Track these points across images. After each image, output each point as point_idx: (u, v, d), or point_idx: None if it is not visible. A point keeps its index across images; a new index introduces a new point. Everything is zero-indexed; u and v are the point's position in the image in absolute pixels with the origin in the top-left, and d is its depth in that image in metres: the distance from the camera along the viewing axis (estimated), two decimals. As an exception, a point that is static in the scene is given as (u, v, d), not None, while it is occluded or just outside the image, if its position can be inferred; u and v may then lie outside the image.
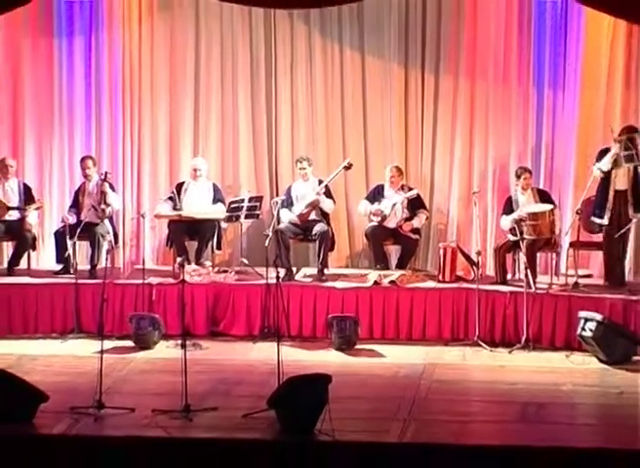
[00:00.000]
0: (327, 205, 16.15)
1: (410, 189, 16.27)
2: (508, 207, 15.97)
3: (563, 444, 12.27)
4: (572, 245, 16.07)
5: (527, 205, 15.77)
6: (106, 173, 16.15)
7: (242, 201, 16.27)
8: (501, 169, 16.52)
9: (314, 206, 16.00)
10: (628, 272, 15.96)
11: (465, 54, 16.50)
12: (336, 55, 16.81)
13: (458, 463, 11.69)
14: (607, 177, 15.40)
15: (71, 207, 16.33)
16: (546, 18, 16.26)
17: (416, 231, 16.29)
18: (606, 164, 15.31)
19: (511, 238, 15.75)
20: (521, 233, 15.57)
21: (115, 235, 16.37)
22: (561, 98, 16.41)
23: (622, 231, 15.43)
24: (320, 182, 16.15)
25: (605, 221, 15.44)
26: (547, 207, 15.80)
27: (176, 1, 16.58)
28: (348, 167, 16.30)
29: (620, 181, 15.39)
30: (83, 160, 16.35)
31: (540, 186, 16.34)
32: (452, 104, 16.67)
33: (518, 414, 13.19)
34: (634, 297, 15.21)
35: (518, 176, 15.92)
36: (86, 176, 16.19)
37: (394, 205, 16.13)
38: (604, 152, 15.55)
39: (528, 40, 16.36)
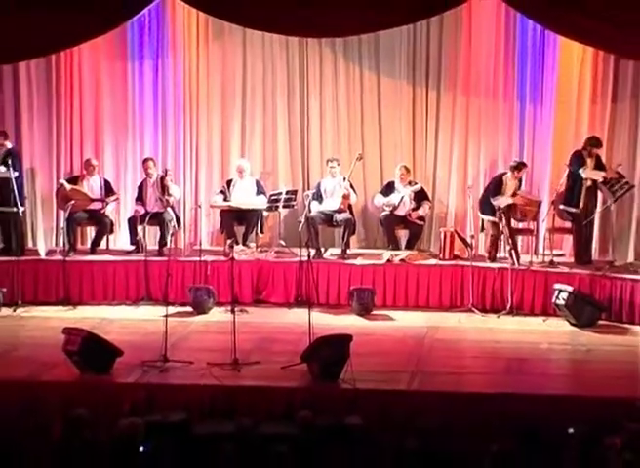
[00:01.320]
0: (352, 198, 16.16)
1: (416, 184, 16.28)
2: (497, 187, 15.91)
3: (540, 391, 12.34)
4: (548, 230, 16.08)
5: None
6: (167, 170, 16.20)
7: (280, 194, 16.27)
8: (491, 168, 16.47)
9: (346, 198, 16.01)
10: (594, 252, 15.92)
11: (462, 75, 16.46)
12: (356, 75, 16.79)
13: (455, 407, 11.73)
14: (580, 179, 15.42)
15: (137, 199, 16.37)
16: (528, 45, 16.24)
17: (421, 218, 16.27)
18: (588, 173, 15.40)
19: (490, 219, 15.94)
20: (507, 219, 15.72)
21: (177, 221, 16.35)
22: (539, 111, 16.36)
23: (589, 219, 15.46)
24: (344, 179, 16.15)
25: (577, 210, 15.44)
26: (539, 198, 16.01)
27: (226, 31, 16.52)
28: (360, 158, 16.32)
29: (590, 182, 15.41)
30: (145, 161, 16.36)
31: (522, 184, 16.32)
32: (451, 115, 16.63)
33: (504, 367, 13.23)
34: (599, 273, 15.22)
35: (519, 169, 15.88)
36: (148, 175, 16.19)
37: (403, 197, 16.13)
38: (577, 155, 15.57)
39: (512, 63, 16.32)
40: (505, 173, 15.93)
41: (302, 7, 14.82)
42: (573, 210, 15.61)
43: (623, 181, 15.37)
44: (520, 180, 15.92)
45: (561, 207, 15.75)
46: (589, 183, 15.52)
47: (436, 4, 15.12)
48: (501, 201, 15.75)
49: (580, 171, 15.48)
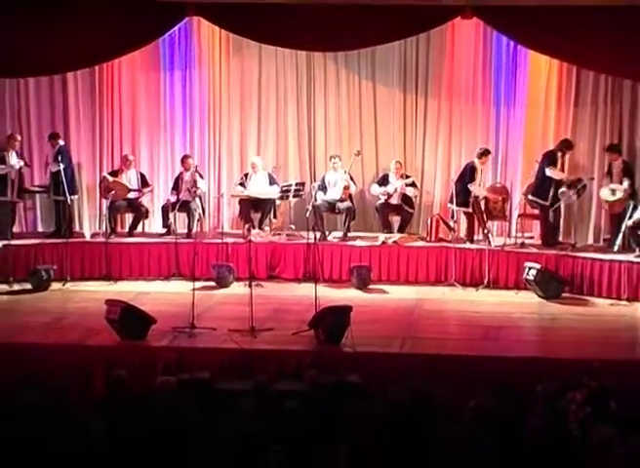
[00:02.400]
0: (352, 188, 16.11)
1: (407, 177, 16.25)
2: (472, 174, 15.83)
3: (513, 354, 12.34)
4: (519, 216, 16.06)
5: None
6: (196, 166, 16.19)
7: (290, 185, 16.24)
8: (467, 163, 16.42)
9: (347, 189, 15.97)
10: (560, 235, 15.89)
11: (446, 83, 16.41)
12: (355, 83, 16.73)
13: (440, 367, 11.72)
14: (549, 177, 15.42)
15: (173, 189, 16.32)
16: (502, 58, 16.17)
17: (410, 206, 16.27)
18: (551, 172, 15.38)
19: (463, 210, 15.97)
20: (479, 208, 15.83)
21: (203, 209, 16.31)
22: (512, 114, 16.30)
23: (556, 206, 15.42)
24: (345, 172, 16.11)
25: (547, 203, 15.41)
26: (504, 194, 16.01)
27: (244, 46, 16.48)
28: (358, 154, 16.26)
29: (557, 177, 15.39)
30: (185, 158, 16.31)
31: (497, 177, 16.33)
32: (436, 118, 16.58)
33: (481, 334, 13.23)
34: (563, 253, 15.22)
35: (485, 155, 15.88)
36: (186, 169, 16.14)
37: (396, 188, 16.12)
38: (549, 154, 15.54)
39: (489, 73, 16.27)
40: (473, 161, 15.88)
41: (309, 27, 14.90)
42: (541, 201, 15.56)
43: (580, 185, 15.39)
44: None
45: (530, 197, 15.70)
46: (556, 178, 15.48)
47: (423, 23, 15.17)
48: (477, 191, 15.71)
49: (546, 170, 15.44)
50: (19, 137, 16.11)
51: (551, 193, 15.46)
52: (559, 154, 15.55)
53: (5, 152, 15.87)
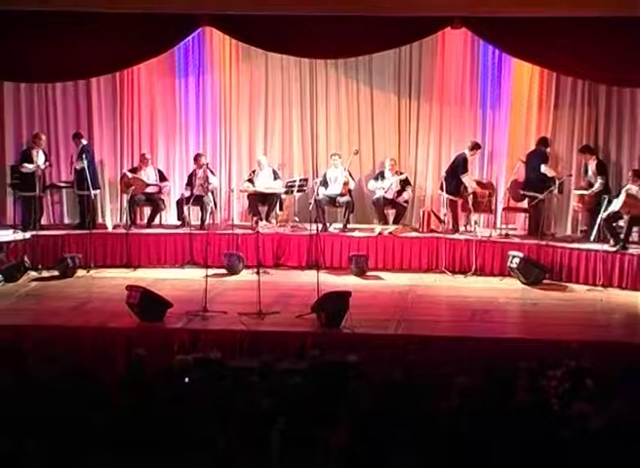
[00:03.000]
0: (351, 184, 16.07)
1: (402, 173, 16.22)
2: (464, 165, 15.78)
3: (498, 335, 12.36)
4: (504, 209, 16.07)
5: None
6: (208, 164, 16.17)
7: (295, 181, 16.19)
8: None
9: (346, 184, 15.95)
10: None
11: (437, 88, 16.37)
12: (354, 88, 16.68)
13: (431, 347, 11.72)
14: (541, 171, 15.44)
15: (187, 184, 16.29)
16: (488, 64, 16.14)
17: (405, 200, 16.25)
18: (547, 170, 15.42)
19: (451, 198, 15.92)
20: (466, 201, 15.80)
21: (214, 203, 16.31)
22: (497, 116, 16.28)
23: (540, 198, 15.41)
24: (345, 169, 16.07)
25: (540, 195, 15.38)
26: (491, 189, 15.98)
27: (252, 54, 16.42)
28: (356, 153, 16.25)
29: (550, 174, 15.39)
30: (198, 156, 16.25)
31: (484, 173, 16.29)
32: (428, 120, 16.53)
33: (469, 316, 13.24)
34: (543, 243, 15.21)
35: (476, 148, 15.87)
36: (199, 166, 16.11)
37: (391, 184, 16.10)
38: (542, 153, 15.54)
39: (476, 78, 16.23)
40: (464, 153, 15.84)
41: (312, 37, 14.91)
42: (532, 194, 15.53)
43: (560, 181, 15.41)
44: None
45: (526, 192, 15.65)
46: (549, 175, 15.47)
47: (416, 33, 15.15)
48: (469, 182, 15.69)
49: (542, 167, 15.43)
50: (43, 137, 16.09)
51: (546, 187, 15.44)
52: (548, 152, 15.57)
53: (32, 150, 15.86)
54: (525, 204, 15.94)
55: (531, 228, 15.81)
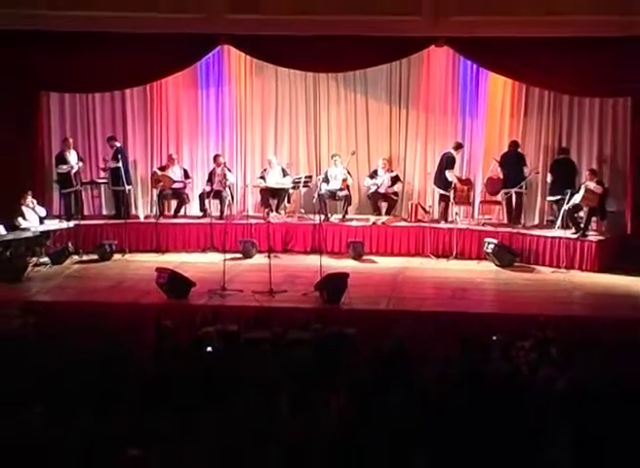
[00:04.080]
0: (349, 180, 16.03)
1: (392, 171, 16.19)
2: (452, 162, 15.71)
3: (475, 310, 12.37)
4: (481, 202, 16.09)
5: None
6: (225, 163, 16.12)
7: (301, 178, 16.19)
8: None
9: (345, 181, 15.92)
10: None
11: (423, 98, 16.31)
12: (351, 98, 16.62)
13: (418, 321, 11.72)
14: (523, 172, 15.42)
15: (207, 181, 16.22)
16: (467, 77, 16.08)
17: (395, 194, 16.21)
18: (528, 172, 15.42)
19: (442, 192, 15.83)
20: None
21: (232, 196, 16.26)
22: (475, 122, 16.22)
23: (517, 189, 15.39)
24: (344, 168, 16.05)
25: (524, 191, 15.40)
26: (470, 184, 15.93)
27: (264, 68, 16.37)
28: (353, 153, 16.24)
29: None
30: (217, 156, 16.17)
31: (463, 171, 16.22)
32: (415, 125, 16.48)
33: (450, 294, 13.25)
34: (515, 231, 15.21)
35: (461, 147, 15.86)
36: (218, 165, 16.06)
37: (383, 180, 16.07)
38: (519, 155, 15.50)
39: (457, 89, 16.16)
40: (450, 151, 15.78)
41: (315, 54, 14.98)
42: (523, 190, 15.46)
43: (529, 177, 15.46)
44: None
45: (504, 190, 15.57)
46: (528, 176, 15.46)
47: (404, 51, 15.23)
48: (451, 177, 15.64)
49: (524, 168, 15.42)
50: (71, 140, 16.05)
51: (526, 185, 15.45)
52: (524, 155, 15.59)
53: (65, 153, 15.87)
54: (499, 197, 15.90)
55: (510, 218, 15.71)
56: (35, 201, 14.92)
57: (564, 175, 15.08)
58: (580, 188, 14.64)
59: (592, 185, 14.55)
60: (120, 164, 15.79)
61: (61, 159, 15.86)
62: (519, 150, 15.57)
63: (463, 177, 16.02)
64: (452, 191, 15.61)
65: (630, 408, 7.18)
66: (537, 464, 6.36)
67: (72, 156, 15.88)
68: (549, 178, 15.36)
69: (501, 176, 15.65)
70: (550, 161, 15.67)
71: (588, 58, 14.10)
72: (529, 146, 15.91)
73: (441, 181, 15.75)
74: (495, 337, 9.85)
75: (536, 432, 6.79)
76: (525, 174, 15.40)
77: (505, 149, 15.73)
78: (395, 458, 6.15)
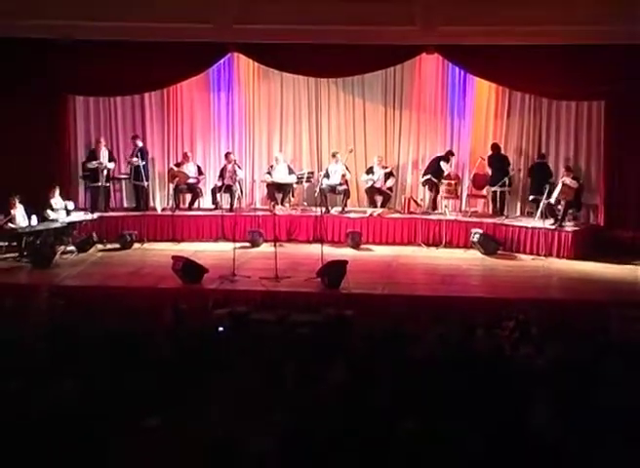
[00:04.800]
0: (347, 176, 16.01)
1: (387, 168, 16.15)
2: (437, 169, 15.76)
3: (462, 294, 12.40)
4: (467, 196, 16.01)
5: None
6: (235, 160, 16.08)
7: (304, 173, 16.19)
8: (431, 158, 16.21)
9: (344, 176, 15.91)
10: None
11: (415, 100, 16.27)
12: (350, 100, 16.55)
13: (411, 303, 11.74)
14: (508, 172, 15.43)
15: (219, 176, 16.20)
16: (456, 81, 16.04)
17: (389, 188, 16.18)
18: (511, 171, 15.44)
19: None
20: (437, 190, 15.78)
21: (241, 191, 16.23)
22: (463, 123, 16.18)
23: (501, 187, 15.39)
24: (343, 164, 16.03)
25: (506, 188, 15.41)
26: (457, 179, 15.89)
27: (270, 73, 16.33)
28: (351, 151, 16.18)
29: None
30: (228, 154, 16.12)
31: (452, 167, 16.13)
32: (408, 125, 16.43)
33: (440, 280, 13.30)
34: (498, 222, 15.21)
35: (452, 155, 15.81)
36: (229, 162, 16.03)
37: (379, 176, 16.05)
38: (503, 157, 15.54)
39: (446, 92, 16.09)
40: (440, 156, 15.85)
41: (317, 61, 15.01)
42: (507, 188, 15.45)
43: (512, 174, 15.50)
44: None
45: (493, 188, 15.55)
46: (511, 174, 15.46)
47: (398, 57, 15.24)
48: (446, 168, 15.68)
49: (509, 168, 15.46)
50: (102, 140, 16.04)
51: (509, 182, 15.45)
52: (508, 156, 15.62)
53: (96, 151, 15.88)
54: (484, 192, 15.90)
55: (494, 210, 15.68)
56: (61, 195, 14.97)
57: (541, 178, 15.07)
58: (557, 183, 14.66)
59: (568, 181, 14.57)
60: (141, 162, 15.82)
61: (93, 156, 15.86)
62: (502, 152, 15.58)
63: (452, 173, 15.99)
64: (444, 183, 15.61)
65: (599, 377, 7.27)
66: (518, 427, 6.42)
67: (104, 155, 15.89)
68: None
69: (488, 172, 15.67)
70: (531, 161, 15.68)
71: (567, 64, 14.10)
72: (511, 144, 15.90)
73: (433, 170, 15.73)
74: (480, 319, 9.89)
75: (517, 400, 6.83)
76: (510, 173, 15.41)
77: (490, 146, 15.72)
78: (387, 421, 6.19)
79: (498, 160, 15.55)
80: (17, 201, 14.23)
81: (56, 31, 14.32)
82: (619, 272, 13.67)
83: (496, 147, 15.59)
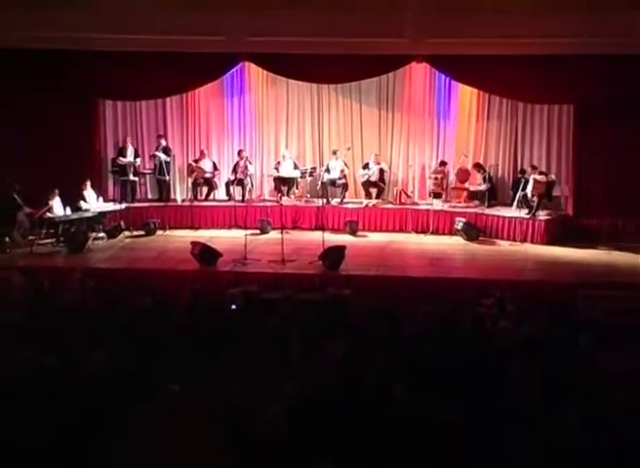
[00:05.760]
0: (345, 171, 15.89)
1: (379, 164, 16.00)
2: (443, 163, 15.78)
3: (448, 275, 12.37)
4: (452, 189, 15.90)
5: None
6: (246, 157, 16.05)
7: (307, 169, 16.09)
8: (420, 156, 16.22)
9: (342, 171, 15.86)
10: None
11: (405, 104, 16.14)
12: (348, 104, 16.43)
13: (401, 284, 11.74)
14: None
15: (232, 171, 16.12)
16: (442, 87, 15.93)
17: (383, 182, 16.11)
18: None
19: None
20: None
21: (252, 184, 16.17)
22: (448, 124, 16.06)
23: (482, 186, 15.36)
24: (342, 161, 15.96)
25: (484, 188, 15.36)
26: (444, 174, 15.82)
27: (277, 80, 16.23)
28: (349, 149, 16.08)
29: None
30: (241, 151, 16.04)
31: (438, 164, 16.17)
32: (400, 126, 16.31)
33: (428, 263, 13.24)
34: (480, 211, 15.15)
35: (443, 165, 15.71)
36: (241, 158, 15.97)
37: (374, 171, 15.96)
38: (479, 166, 15.51)
39: (433, 97, 15.96)
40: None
41: (318, 69, 14.89)
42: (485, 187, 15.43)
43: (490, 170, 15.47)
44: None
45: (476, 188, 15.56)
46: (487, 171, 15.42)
47: (390, 66, 15.12)
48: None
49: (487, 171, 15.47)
50: (129, 139, 15.98)
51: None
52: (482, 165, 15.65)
53: (125, 149, 15.84)
54: (466, 185, 15.80)
55: (482, 202, 15.60)
56: (92, 188, 14.95)
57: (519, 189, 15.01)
58: (528, 181, 14.64)
59: (538, 177, 14.56)
60: (166, 159, 15.80)
61: (122, 153, 15.83)
62: (480, 163, 15.61)
63: (438, 168, 15.93)
64: (431, 178, 15.57)
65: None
66: (496, 389, 6.43)
67: (130, 152, 15.84)
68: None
69: (469, 168, 15.64)
70: (508, 155, 15.66)
71: (539, 72, 13.99)
72: (491, 143, 15.84)
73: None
74: (463, 297, 9.87)
75: (495, 368, 6.84)
76: (488, 171, 15.44)
77: (472, 145, 15.75)
78: (380, 386, 6.21)
79: (480, 167, 15.61)
80: (54, 193, 14.22)
81: (92, 44, 14.30)
82: (585, 256, 13.66)
83: (477, 165, 15.63)
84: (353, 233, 15.18)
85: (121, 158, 15.78)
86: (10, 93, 14.82)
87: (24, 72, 14.67)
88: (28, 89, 14.81)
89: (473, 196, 15.69)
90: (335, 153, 16.05)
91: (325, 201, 15.60)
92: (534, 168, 14.75)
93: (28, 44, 14.21)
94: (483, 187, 15.44)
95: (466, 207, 15.57)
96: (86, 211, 14.61)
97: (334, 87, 16.33)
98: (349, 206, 15.86)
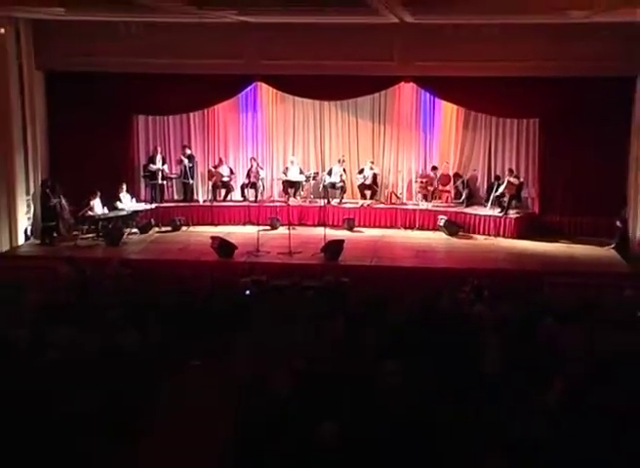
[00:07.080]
0: (344, 176, 15.83)
1: (372, 169, 15.91)
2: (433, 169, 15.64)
3: (432, 265, 12.32)
4: (435, 190, 15.75)
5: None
6: (258, 163, 15.97)
7: (311, 174, 16.02)
8: (408, 162, 16.07)
9: (341, 176, 15.75)
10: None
11: (395, 118, 16.01)
12: (346, 117, 16.29)
13: (392, 273, 11.69)
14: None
15: (246, 176, 16.05)
16: (427, 103, 15.82)
17: (376, 185, 15.99)
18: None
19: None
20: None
21: (263, 187, 16.11)
22: (432, 135, 15.94)
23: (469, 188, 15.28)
24: (341, 167, 15.87)
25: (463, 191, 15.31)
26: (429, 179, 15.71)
27: (286, 97, 16.12)
28: (340, 160, 15.84)
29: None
30: (253, 158, 16.00)
31: (426, 169, 15.92)
32: (390, 137, 16.17)
33: (415, 254, 13.21)
34: (459, 210, 15.09)
35: (435, 169, 15.58)
36: (254, 165, 15.93)
37: (368, 176, 15.87)
38: (458, 174, 15.46)
39: (420, 111, 15.86)
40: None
41: (321, 88, 14.83)
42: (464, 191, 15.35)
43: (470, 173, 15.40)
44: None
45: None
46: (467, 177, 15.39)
47: (382, 85, 15.04)
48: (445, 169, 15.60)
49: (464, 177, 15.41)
50: (159, 148, 15.92)
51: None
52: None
53: (154, 157, 15.79)
54: (448, 188, 15.72)
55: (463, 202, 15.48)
56: (127, 190, 14.91)
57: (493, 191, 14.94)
58: (503, 181, 14.59)
59: (512, 179, 14.53)
60: (190, 164, 15.75)
61: (152, 161, 15.80)
62: (460, 174, 15.54)
63: (424, 173, 15.81)
64: (418, 181, 15.48)
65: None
66: (474, 365, 6.39)
67: (158, 159, 15.80)
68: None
69: (450, 173, 15.56)
70: (484, 161, 15.58)
71: (510, 90, 13.99)
72: (469, 151, 15.76)
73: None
74: (445, 284, 9.77)
75: (472, 346, 6.79)
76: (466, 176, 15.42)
77: (453, 154, 15.64)
78: (374, 362, 6.16)
79: (458, 176, 15.55)
80: (95, 195, 14.20)
81: (128, 67, 14.30)
82: (550, 248, 13.63)
83: (456, 175, 15.56)
84: (350, 229, 15.11)
85: (151, 165, 15.75)
86: (65, 109, 14.83)
87: (76, 93, 14.70)
88: (78, 106, 14.78)
89: (454, 197, 15.64)
90: (339, 161, 15.96)
91: (326, 201, 15.52)
92: (511, 171, 14.71)
93: (81, 67, 14.38)
94: (462, 190, 15.38)
95: (448, 206, 15.52)
96: (121, 210, 14.59)
97: (334, 103, 16.23)
98: (347, 205, 15.78)
